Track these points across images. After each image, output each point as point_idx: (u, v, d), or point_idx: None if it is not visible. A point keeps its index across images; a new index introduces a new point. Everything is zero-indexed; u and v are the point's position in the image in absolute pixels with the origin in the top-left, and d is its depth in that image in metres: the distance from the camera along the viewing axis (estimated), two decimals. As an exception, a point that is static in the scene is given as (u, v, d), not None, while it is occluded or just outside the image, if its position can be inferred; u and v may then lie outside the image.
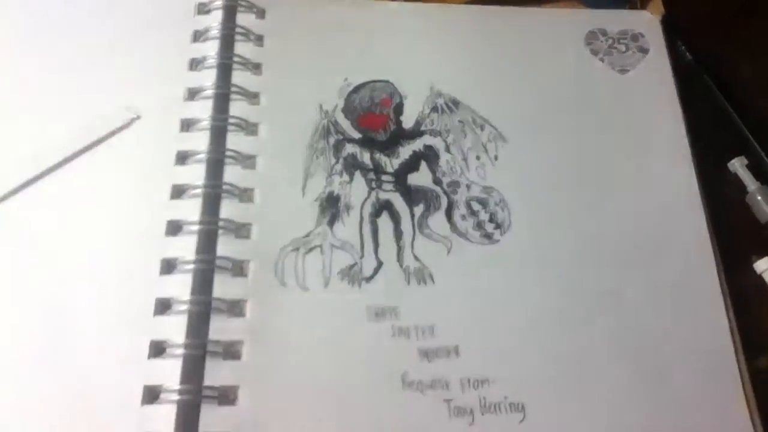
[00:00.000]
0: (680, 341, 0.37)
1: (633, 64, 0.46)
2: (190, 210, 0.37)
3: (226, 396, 0.33)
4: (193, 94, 0.41)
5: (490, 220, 0.39)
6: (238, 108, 0.40)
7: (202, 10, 0.43)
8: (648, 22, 0.48)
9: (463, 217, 0.39)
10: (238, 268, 0.36)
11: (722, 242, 0.41)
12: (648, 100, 0.44)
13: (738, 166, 0.45)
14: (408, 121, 0.42)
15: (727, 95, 0.47)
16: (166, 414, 0.32)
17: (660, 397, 0.36)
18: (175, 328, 0.34)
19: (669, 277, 0.39)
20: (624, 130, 0.43)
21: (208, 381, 0.33)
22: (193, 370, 0.33)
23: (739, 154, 0.45)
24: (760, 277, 0.41)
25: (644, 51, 0.46)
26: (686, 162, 0.43)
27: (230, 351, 0.34)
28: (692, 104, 0.45)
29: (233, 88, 0.41)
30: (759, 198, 0.43)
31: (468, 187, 0.40)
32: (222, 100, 0.40)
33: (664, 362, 0.37)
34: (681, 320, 0.38)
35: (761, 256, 0.41)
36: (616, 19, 0.47)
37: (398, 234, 0.38)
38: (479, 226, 0.39)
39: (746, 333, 0.38)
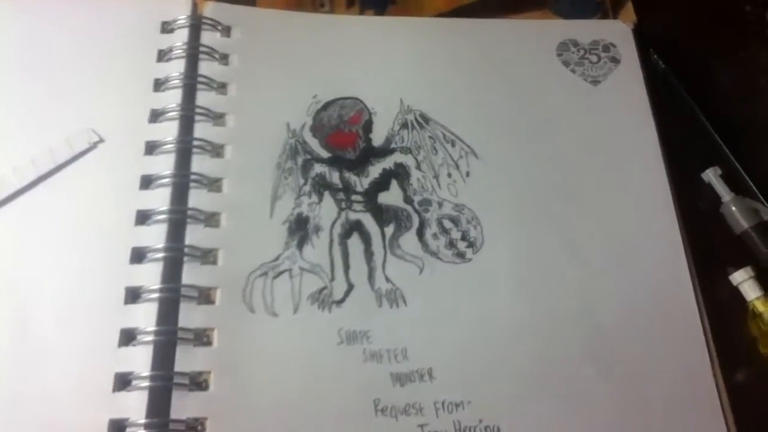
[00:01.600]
0: (656, 356, 0.37)
1: (605, 74, 0.45)
2: (155, 236, 0.36)
3: (194, 429, 0.32)
4: (156, 115, 0.40)
5: (463, 239, 0.39)
6: (203, 129, 0.39)
7: (166, 28, 0.43)
8: (620, 32, 0.47)
9: (435, 236, 0.39)
10: (205, 296, 0.35)
11: (697, 254, 0.40)
12: (620, 110, 0.44)
13: (712, 176, 0.44)
14: (378, 138, 0.41)
15: (700, 104, 0.47)
16: (132, 449, 0.31)
17: (637, 413, 0.35)
18: (140, 359, 0.33)
19: (644, 290, 0.39)
20: (597, 142, 0.43)
21: (174, 414, 0.32)
22: (160, 402, 0.32)
23: (713, 164, 0.44)
24: (736, 289, 0.41)
25: (616, 61, 0.46)
26: (660, 173, 0.42)
27: (197, 382, 0.33)
28: (665, 114, 0.45)
29: (198, 109, 0.40)
30: (733, 209, 0.43)
31: (440, 204, 0.40)
32: (187, 121, 0.39)
33: (641, 378, 0.36)
34: (657, 335, 0.37)
35: (737, 267, 0.41)
36: (587, 30, 0.47)
37: (369, 255, 0.38)
38: (451, 244, 0.38)
39: (722, 346, 0.38)
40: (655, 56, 0.49)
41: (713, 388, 0.36)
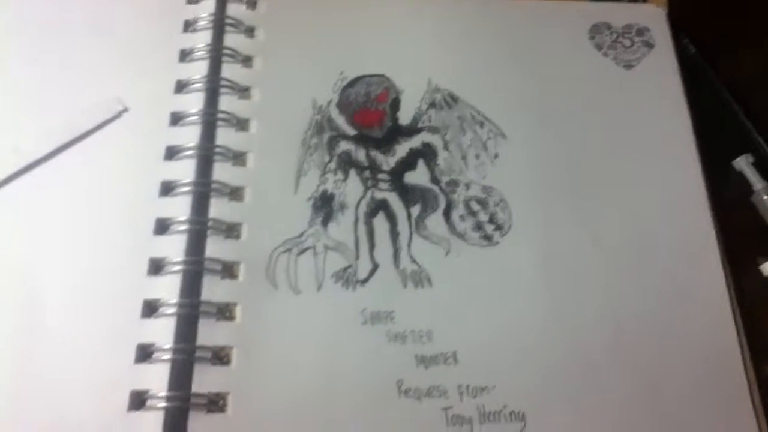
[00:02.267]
0: (684, 347, 0.36)
1: (638, 59, 0.44)
2: (179, 208, 0.36)
3: (215, 403, 0.32)
4: (182, 86, 0.39)
5: (490, 221, 0.38)
6: (228, 102, 0.39)
7: (192, -1, 0.42)
8: (654, 16, 0.46)
9: (462, 218, 0.38)
10: (228, 270, 0.35)
11: (727, 244, 0.39)
12: (653, 96, 0.43)
13: (743, 164, 0.43)
14: (405, 117, 0.41)
15: (732, 90, 0.46)
16: (152, 422, 0.31)
17: (663, 406, 0.35)
18: (162, 332, 0.33)
19: (673, 280, 0.38)
20: (628, 127, 0.42)
21: (196, 388, 0.32)
22: (181, 376, 0.32)
23: (744, 151, 0.43)
24: (766, 280, 0.40)
25: (650, 46, 0.45)
26: (692, 160, 0.41)
27: (219, 356, 0.33)
28: (696, 99, 0.44)
29: (223, 82, 0.39)
30: (765, 198, 0.42)
31: (467, 186, 0.39)
32: (212, 93, 0.39)
33: (668, 369, 0.35)
34: (685, 326, 0.37)
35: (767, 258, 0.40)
36: (620, 12, 0.46)
37: (394, 235, 0.37)
38: (478, 227, 0.38)
39: (753, 338, 0.37)
40: (686, 40, 0.48)
41: (743, 382, 0.36)
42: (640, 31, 0.45)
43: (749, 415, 0.35)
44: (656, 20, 0.46)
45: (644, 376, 0.35)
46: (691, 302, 0.37)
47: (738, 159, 0.43)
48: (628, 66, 0.44)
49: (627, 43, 0.45)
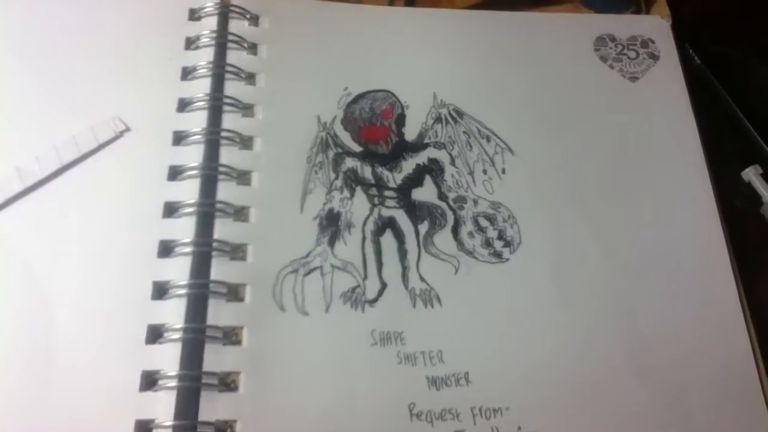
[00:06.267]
0: (699, 359, 0.36)
1: (643, 70, 0.44)
2: (183, 229, 0.35)
3: (223, 431, 0.31)
4: (184, 105, 0.38)
5: (499, 238, 0.37)
6: (232, 120, 0.38)
7: (194, 16, 0.41)
8: (658, 28, 0.46)
9: (471, 235, 0.37)
10: (234, 293, 0.34)
11: (736, 254, 0.39)
12: (660, 108, 0.43)
13: (752, 175, 0.43)
14: (411, 133, 0.40)
15: (738, 101, 0.46)
16: (159, 452, 0.30)
17: (680, 420, 0.34)
18: (167, 358, 0.32)
19: (686, 291, 0.37)
20: (636, 139, 0.41)
21: (203, 415, 0.31)
22: (188, 403, 0.31)
23: (753, 162, 0.43)
24: (777, 292, 0.39)
25: (655, 57, 0.44)
26: (701, 172, 0.41)
27: (226, 382, 0.32)
28: (703, 110, 0.43)
29: (226, 100, 0.38)
30: (775, 209, 0.41)
31: (475, 202, 0.38)
32: (215, 111, 0.38)
33: (684, 383, 0.35)
34: (699, 337, 0.36)
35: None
36: (625, 25, 0.46)
37: (402, 253, 0.36)
38: (487, 243, 0.37)
39: (765, 345, 0.37)
40: (691, 51, 0.47)
41: (759, 392, 0.35)
42: (645, 43, 0.45)
43: (765, 425, 0.34)
44: (660, 32, 0.46)
45: (662, 389, 0.35)
46: (704, 312, 0.37)
47: (747, 170, 0.43)
48: (634, 78, 0.44)
49: (632, 54, 0.44)
